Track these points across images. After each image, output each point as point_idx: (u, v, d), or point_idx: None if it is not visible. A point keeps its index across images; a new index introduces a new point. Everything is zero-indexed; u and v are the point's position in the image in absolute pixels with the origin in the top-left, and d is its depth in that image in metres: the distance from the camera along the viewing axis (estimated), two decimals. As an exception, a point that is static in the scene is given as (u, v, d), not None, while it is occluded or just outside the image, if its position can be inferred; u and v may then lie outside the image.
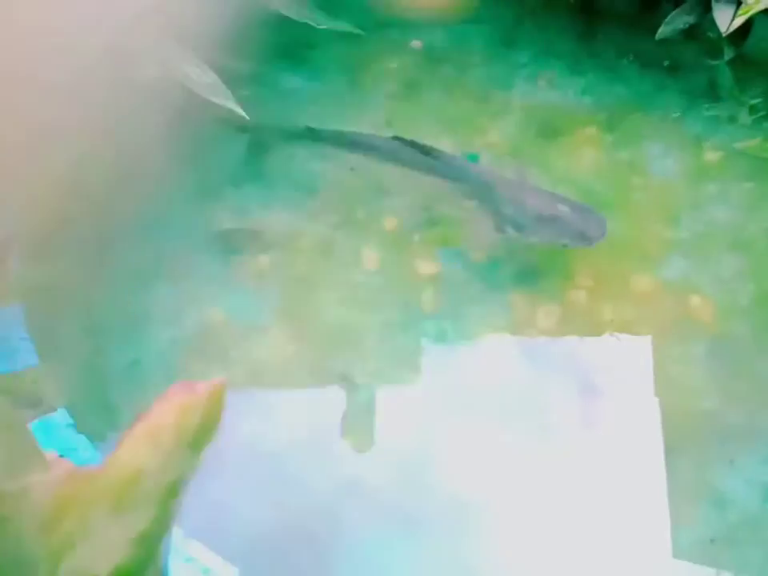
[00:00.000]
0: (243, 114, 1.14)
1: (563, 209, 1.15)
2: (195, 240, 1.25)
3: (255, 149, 1.34)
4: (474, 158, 1.34)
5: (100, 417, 1.06)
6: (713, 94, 1.47)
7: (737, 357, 1.11)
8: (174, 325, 1.17)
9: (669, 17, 1.40)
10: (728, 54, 1.40)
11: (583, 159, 1.36)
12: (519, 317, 1.18)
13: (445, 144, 1.29)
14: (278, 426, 1.10)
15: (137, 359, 1.13)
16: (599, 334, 1.16)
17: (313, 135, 1.30)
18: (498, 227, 1.17)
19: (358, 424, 1.09)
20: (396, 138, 1.26)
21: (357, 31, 1.49)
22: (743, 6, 1.30)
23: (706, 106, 1.45)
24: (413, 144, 1.24)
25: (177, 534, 0.74)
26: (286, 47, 1.49)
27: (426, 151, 1.23)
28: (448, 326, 1.19)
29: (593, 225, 1.13)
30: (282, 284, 1.22)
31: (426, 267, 1.23)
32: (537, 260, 1.23)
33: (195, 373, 1.14)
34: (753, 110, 1.44)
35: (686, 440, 1.04)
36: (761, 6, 1.30)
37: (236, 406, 1.03)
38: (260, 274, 1.23)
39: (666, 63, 1.50)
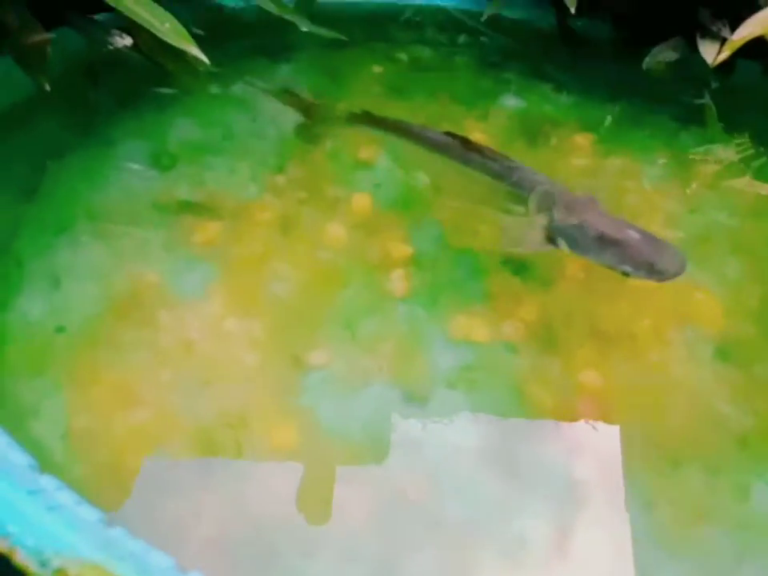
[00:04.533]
0: (206, 59, 1.04)
1: (632, 234, 0.98)
2: (138, 201, 1.11)
3: (313, 132, 1.28)
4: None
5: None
6: (699, 130, 1.42)
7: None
8: (99, 284, 1.00)
9: (654, 49, 1.39)
10: (714, 83, 1.39)
11: (573, 163, 1.27)
12: (499, 306, 1.03)
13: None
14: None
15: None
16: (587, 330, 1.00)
17: (368, 119, 1.24)
18: (550, 239, 1.02)
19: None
20: (448, 133, 1.18)
21: (341, 37, 1.47)
22: (728, 42, 1.29)
23: (692, 150, 1.38)
24: (464, 140, 1.15)
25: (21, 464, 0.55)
26: (265, 45, 1.44)
27: (477, 149, 1.14)
28: (420, 312, 1.03)
29: (667, 258, 0.96)
30: (231, 255, 1.06)
31: (398, 249, 1.09)
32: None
33: (121, 338, 0.95)
34: (739, 148, 1.38)
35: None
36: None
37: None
38: (207, 241, 1.07)
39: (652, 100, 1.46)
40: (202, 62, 1.06)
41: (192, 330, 0.98)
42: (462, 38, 1.56)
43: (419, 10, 1.56)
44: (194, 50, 1.04)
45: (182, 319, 0.98)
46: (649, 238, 0.99)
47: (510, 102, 1.42)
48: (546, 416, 0.94)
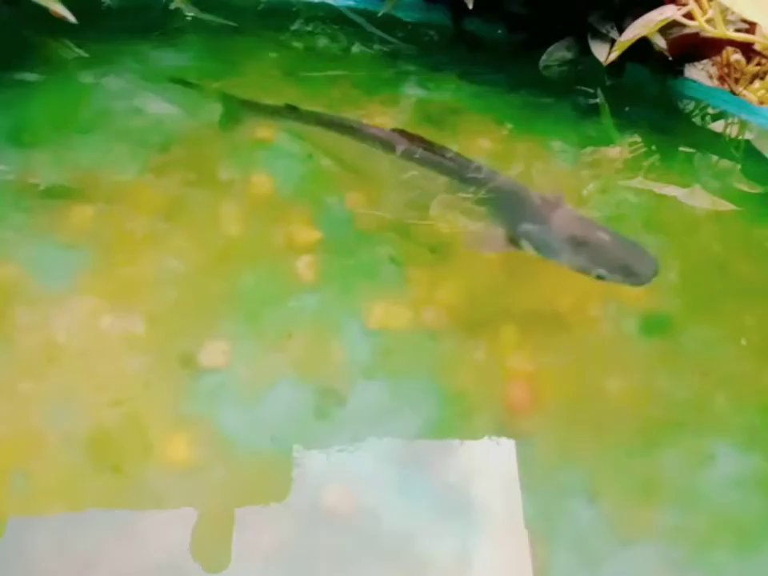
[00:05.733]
0: (72, 18, 0.90)
1: (603, 236, 0.93)
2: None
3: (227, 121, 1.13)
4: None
5: None
6: (596, 123, 1.43)
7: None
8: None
9: (549, 48, 1.40)
10: (608, 81, 1.41)
11: (481, 146, 1.22)
12: (416, 290, 0.95)
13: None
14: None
15: None
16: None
17: (293, 114, 1.10)
18: (514, 241, 0.95)
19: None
20: (396, 129, 1.07)
21: (230, 23, 1.38)
22: (617, 43, 1.32)
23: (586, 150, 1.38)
24: (418, 139, 1.05)
25: None
26: (147, 32, 1.31)
27: (430, 146, 1.05)
28: (332, 301, 0.92)
29: (641, 260, 0.92)
30: (106, 242, 0.91)
31: (304, 233, 0.98)
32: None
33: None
34: (631, 147, 1.40)
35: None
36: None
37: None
38: (77, 227, 0.91)
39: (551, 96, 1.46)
40: (72, 47, 0.93)
41: (59, 329, 0.81)
42: (357, 40, 1.50)
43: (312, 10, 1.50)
44: (58, 7, 0.90)
45: (46, 317, 0.82)
46: (620, 239, 0.94)
47: (413, 90, 1.36)
48: (473, 406, 0.86)
